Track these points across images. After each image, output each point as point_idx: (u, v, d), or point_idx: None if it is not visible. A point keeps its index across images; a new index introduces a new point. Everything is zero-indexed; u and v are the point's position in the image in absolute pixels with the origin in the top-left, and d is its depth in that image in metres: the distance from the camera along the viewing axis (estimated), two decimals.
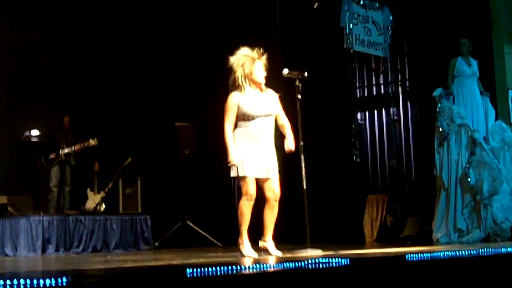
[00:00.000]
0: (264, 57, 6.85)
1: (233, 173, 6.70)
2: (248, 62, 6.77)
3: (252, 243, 6.85)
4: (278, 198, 6.80)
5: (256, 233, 6.86)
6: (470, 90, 9.67)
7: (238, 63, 6.79)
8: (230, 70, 6.90)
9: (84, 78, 12.89)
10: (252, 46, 6.87)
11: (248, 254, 6.64)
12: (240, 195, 6.80)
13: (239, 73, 6.80)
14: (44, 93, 12.35)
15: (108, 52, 13.19)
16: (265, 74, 6.83)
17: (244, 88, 6.76)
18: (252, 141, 6.68)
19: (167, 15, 13.59)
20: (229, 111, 6.80)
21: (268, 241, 6.82)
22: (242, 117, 6.74)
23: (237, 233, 6.89)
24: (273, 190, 6.76)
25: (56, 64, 12.62)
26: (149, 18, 13.47)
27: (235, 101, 6.76)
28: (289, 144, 6.85)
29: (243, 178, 6.65)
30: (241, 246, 6.73)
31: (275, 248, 6.77)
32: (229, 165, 6.69)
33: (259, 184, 6.73)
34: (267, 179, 6.74)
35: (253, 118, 6.70)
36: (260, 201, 6.81)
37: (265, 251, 6.75)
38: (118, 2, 13.32)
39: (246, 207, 6.67)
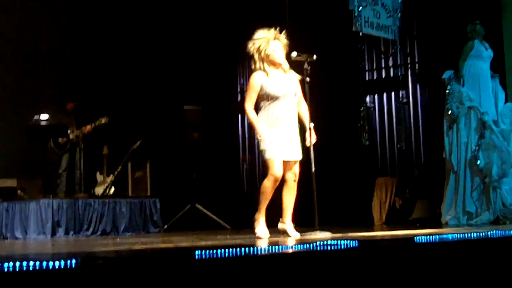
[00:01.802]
0: (282, 35, 6.75)
1: (265, 156, 6.64)
2: (264, 44, 6.67)
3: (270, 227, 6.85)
4: (296, 179, 6.79)
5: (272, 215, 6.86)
6: (483, 72, 9.62)
7: (255, 47, 6.72)
8: (250, 57, 6.85)
9: (93, 62, 12.91)
10: (261, 28, 6.82)
11: (260, 233, 6.60)
12: (264, 175, 6.73)
13: (256, 57, 6.71)
14: (52, 77, 12.36)
15: (117, 36, 13.21)
16: (284, 52, 6.75)
17: (265, 71, 6.71)
18: (277, 124, 6.61)
19: (178, 1, 13.57)
20: (251, 91, 6.68)
21: (287, 223, 6.79)
22: (265, 98, 6.64)
23: (246, 215, 6.88)
24: (294, 172, 6.75)
25: (65, 49, 12.64)
26: (158, 2, 13.46)
27: (258, 81, 6.66)
28: (309, 139, 6.81)
29: (271, 160, 6.63)
30: (256, 223, 6.68)
31: (294, 230, 6.72)
32: (258, 138, 6.62)
33: (283, 166, 6.70)
34: (291, 161, 6.73)
35: (277, 99, 6.61)
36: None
37: (284, 233, 6.72)
38: None
39: (270, 187, 6.60)
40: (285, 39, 6.78)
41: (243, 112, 13.85)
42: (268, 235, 6.63)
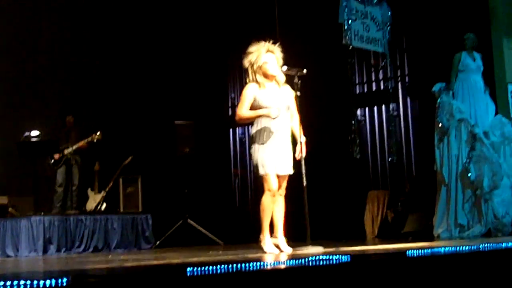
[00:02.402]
0: (276, 48, 6.75)
1: (261, 172, 6.61)
2: (257, 57, 6.69)
3: (253, 241, 6.84)
4: (283, 193, 6.78)
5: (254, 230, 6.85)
6: (475, 84, 9.65)
7: (248, 60, 6.73)
8: (245, 70, 6.86)
9: (84, 77, 12.92)
10: (251, 42, 6.82)
11: (269, 250, 6.57)
12: (257, 191, 6.74)
13: (250, 70, 6.73)
14: (44, 93, 12.39)
15: (108, 51, 13.22)
16: (278, 65, 6.73)
17: (260, 83, 6.70)
18: (269, 137, 6.60)
19: (168, 15, 13.62)
20: (244, 101, 6.67)
21: (279, 238, 6.77)
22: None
23: (238, 230, 6.87)
24: (281, 186, 6.74)
25: (56, 64, 12.65)
26: (150, 17, 13.51)
27: (251, 92, 6.67)
28: (300, 152, 6.80)
29: (266, 175, 6.62)
30: (262, 243, 6.65)
31: (286, 245, 6.70)
32: (271, 110, 6.57)
33: None
34: (282, 175, 6.72)
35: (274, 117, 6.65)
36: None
37: (277, 247, 6.70)
38: (119, 1, 13.33)
39: (269, 203, 6.62)
40: (279, 51, 6.78)
41: (234, 126, 14.00)
42: (278, 251, 6.60)
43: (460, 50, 9.73)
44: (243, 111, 6.68)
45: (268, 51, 6.74)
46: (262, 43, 6.77)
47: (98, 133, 11.14)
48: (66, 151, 11.11)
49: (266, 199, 6.63)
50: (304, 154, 6.80)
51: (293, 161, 6.78)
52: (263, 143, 6.60)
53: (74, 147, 11.12)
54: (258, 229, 6.69)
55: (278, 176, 6.67)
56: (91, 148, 11.25)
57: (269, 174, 6.59)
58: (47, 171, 11.24)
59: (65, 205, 11.17)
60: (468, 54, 9.69)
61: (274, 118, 6.59)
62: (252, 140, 6.71)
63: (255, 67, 6.70)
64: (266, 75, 6.72)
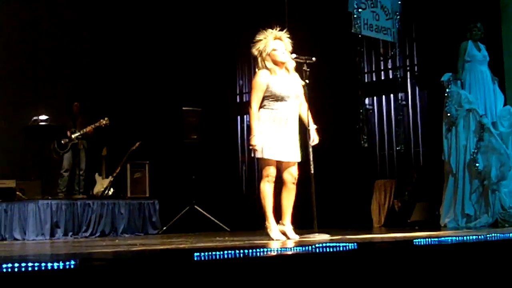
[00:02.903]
0: (284, 34, 6.71)
1: (257, 154, 6.63)
2: (265, 45, 6.65)
3: (260, 228, 6.85)
4: (295, 181, 6.77)
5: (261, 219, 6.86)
6: (481, 75, 9.62)
7: (257, 49, 6.69)
8: (254, 59, 6.85)
9: (92, 64, 12.94)
10: (259, 30, 6.81)
11: (276, 237, 6.55)
12: (260, 178, 6.73)
13: (259, 58, 6.69)
14: (53, 79, 12.40)
15: (116, 38, 13.22)
16: (287, 51, 6.69)
17: (271, 70, 6.68)
18: (278, 124, 6.57)
19: (178, 3, 13.58)
20: (257, 90, 6.62)
21: (286, 225, 6.76)
22: (269, 97, 6.60)
23: (245, 217, 6.87)
24: (292, 173, 6.73)
25: (64, 50, 12.66)
26: (158, 4, 13.47)
27: (264, 79, 6.61)
28: (312, 138, 6.82)
29: (267, 160, 6.61)
30: (268, 230, 6.61)
31: (293, 232, 6.69)
32: (250, 148, 6.60)
33: (278, 167, 6.68)
34: (289, 162, 6.72)
35: (281, 99, 6.58)
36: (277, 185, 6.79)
37: (284, 235, 6.70)
38: None
39: (267, 189, 6.60)
40: (287, 37, 6.76)
41: (242, 113, 14.01)
42: (284, 237, 6.60)
43: (465, 39, 9.70)
44: (255, 104, 6.63)
45: (275, 38, 6.71)
46: (269, 30, 6.75)
47: (106, 118, 11.17)
48: (73, 136, 11.13)
49: (264, 185, 6.63)
50: (317, 141, 6.81)
51: (301, 149, 6.77)
52: (267, 128, 6.59)
53: (81, 132, 11.14)
54: (264, 216, 6.69)
55: (283, 163, 6.67)
56: (98, 133, 11.28)
57: (265, 158, 6.59)
58: (54, 155, 11.27)
59: (72, 189, 11.20)
60: (473, 44, 9.67)
61: (251, 147, 6.58)
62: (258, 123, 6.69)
63: (264, 55, 6.68)
64: (275, 62, 6.69)
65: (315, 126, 6.86)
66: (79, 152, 11.27)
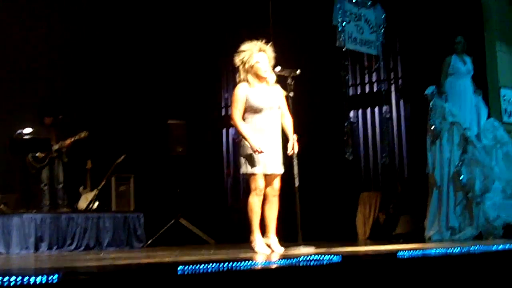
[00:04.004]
0: (268, 47, 6.75)
1: (243, 170, 6.63)
2: (248, 56, 6.68)
3: (246, 241, 6.84)
4: (277, 193, 6.77)
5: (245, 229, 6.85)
6: (464, 88, 9.69)
7: (239, 59, 6.71)
8: (236, 69, 6.86)
9: (77, 76, 12.88)
10: (244, 42, 6.82)
11: (260, 250, 6.56)
12: (248, 191, 6.72)
13: (241, 69, 6.72)
14: (36, 91, 12.30)
15: (101, 50, 13.19)
16: (269, 64, 6.72)
17: (250, 83, 6.69)
18: (260, 136, 6.58)
19: (161, 14, 13.60)
20: (238, 102, 6.66)
21: (271, 238, 6.76)
22: (249, 110, 6.64)
23: (230, 229, 6.87)
24: (273, 186, 6.73)
25: (48, 63, 12.58)
26: (142, 16, 13.47)
27: (242, 92, 6.66)
28: (291, 148, 6.81)
29: (252, 174, 6.61)
30: (253, 243, 6.64)
31: (278, 245, 6.69)
32: (255, 152, 6.54)
33: None
34: (271, 174, 6.71)
35: (260, 111, 6.60)
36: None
37: (269, 247, 6.68)
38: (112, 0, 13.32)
39: (256, 203, 6.61)
40: (271, 51, 6.78)
41: (227, 126, 14.00)
42: (269, 251, 6.59)
43: (450, 53, 9.77)
44: (238, 116, 6.66)
45: (260, 50, 6.74)
46: (254, 42, 6.77)
47: (85, 131, 11.10)
48: (53, 149, 11.04)
49: (252, 199, 6.63)
50: (296, 151, 6.81)
51: (284, 161, 6.78)
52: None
53: (57, 146, 11.06)
54: (250, 229, 6.68)
55: (266, 176, 6.68)
56: (81, 146, 11.20)
57: (256, 173, 6.59)
58: (31, 169, 11.17)
59: (54, 203, 11.12)
60: (458, 57, 9.74)
61: (255, 151, 6.56)
62: (241, 138, 6.70)
63: (246, 66, 6.70)
64: (257, 75, 6.72)
65: (295, 136, 6.86)
66: (55, 166, 11.17)
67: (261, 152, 6.52)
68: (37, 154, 11.04)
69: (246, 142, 6.58)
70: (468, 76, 9.73)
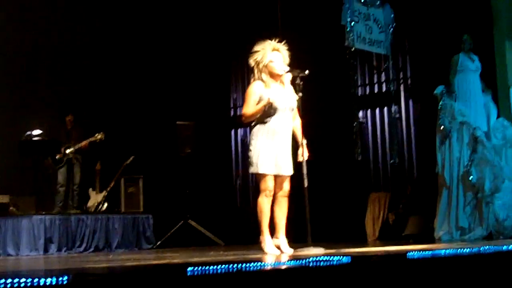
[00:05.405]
0: (282, 46, 6.72)
1: (253, 170, 6.62)
2: (262, 56, 6.65)
3: (255, 242, 6.83)
4: (287, 194, 6.76)
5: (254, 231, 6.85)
6: (473, 85, 9.67)
7: (254, 59, 6.68)
8: (251, 69, 6.83)
9: (86, 77, 12.93)
10: (253, 43, 6.80)
11: (270, 251, 6.55)
12: (257, 192, 6.70)
13: (256, 70, 6.68)
14: (46, 93, 12.38)
15: (110, 51, 13.23)
16: (284, 62, 6.69)
17: (265, 82, 6.66)
18: (272, 138, 6.57)
19: (170, 15, 13.62)
20: (250, 98, 6.62)
21: (280, 238, 6.74)
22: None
23: (239, 231, 6.86)
24: (283, 187, 6.72)
25: (57, 64, 12.65)
26: (153, 17, 13.51)
27: (257, 90, 6.62)
28: (301, 155, 6.75)
29: (263, 175, 6.60)
30: (262, 244, 6.62)
31: (287, 246, 6.67)
32: (270, 102, 6.47)
33: None
34: (282, 176, 6.70)
35: (274, 112, 6.60)
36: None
37: (278, 248, 6.67)
38: (122, 0, 13.35)
39: (265, 203, 6.59)
40: (285, 49, 6.75)
41: (236, 126, 14.00)
42: (278, 251, 6.58)
43: (457, 52, 9.76)
44: (249, 109, 6.64)
45: (274, 49, 6.71)
46: (268, 41, 6.74)
47: (101, 133, 11.13)
48: (68, 151, 11.09)
49: (262, 200, 6.61)
50: (306, 157, 6.77)
51: (294, 162, 6.76)
52: (263, 142, 6.58)
53: (76, 146, 11.10)
54: (259, 230, 6.68)
55: (276, 177, 6.66)
56: (92, 147, 11.25)
57: (265, 173, 6.57)
58: (48, 170, 11.24)
59: (67, 204, 11.17)
60: (466, 55, 9.72)
61: (274, 107, 6.52)
62: (252, 138, 6.69)
63: (261, 66, 6.66)
64: (272, 74, 6.68)
65: (305, 141, 6.84)
66: (73, 167, 11.23)
67: (272, 102, 6.46)
68: (56, 156, 11.08)
69: (257, 142, 6.56)
70: (477, 73, 9.71)
